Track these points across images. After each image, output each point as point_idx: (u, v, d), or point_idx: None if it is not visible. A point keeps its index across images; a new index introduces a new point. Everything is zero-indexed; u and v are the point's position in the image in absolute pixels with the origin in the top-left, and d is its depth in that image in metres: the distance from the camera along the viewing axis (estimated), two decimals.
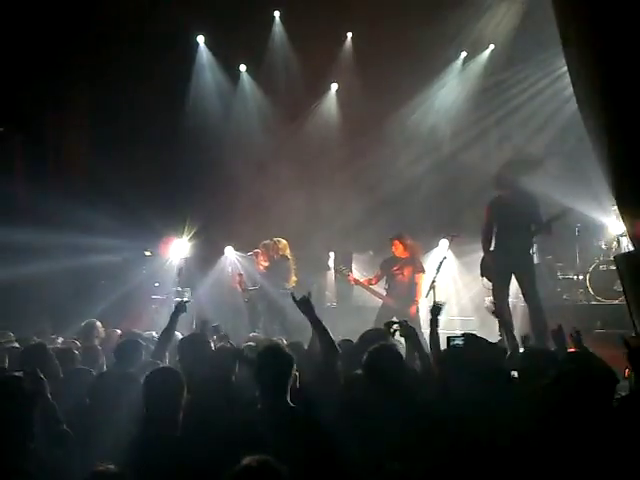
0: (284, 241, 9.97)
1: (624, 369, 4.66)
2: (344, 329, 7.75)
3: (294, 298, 4.72)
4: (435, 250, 10.64)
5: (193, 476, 3.25)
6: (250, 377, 4.10)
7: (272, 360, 3.85)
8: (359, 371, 4.11)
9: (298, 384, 4.15)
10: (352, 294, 10.65)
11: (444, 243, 10.08)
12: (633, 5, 5.72)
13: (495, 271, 7.62)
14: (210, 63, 13.03)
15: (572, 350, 5.16)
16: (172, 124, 12.33)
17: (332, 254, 11.52)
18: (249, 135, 12.95)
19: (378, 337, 4.91)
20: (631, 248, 7.42)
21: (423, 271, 8.89)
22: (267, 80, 12.91)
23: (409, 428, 3.35)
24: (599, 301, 9.31)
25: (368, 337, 5.08)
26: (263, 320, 9.77)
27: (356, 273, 10.71)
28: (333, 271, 11.01)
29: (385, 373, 3.84)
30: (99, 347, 6.41)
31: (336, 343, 4.58)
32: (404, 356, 4.68)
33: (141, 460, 3.28)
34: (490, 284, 7.82)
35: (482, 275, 7.86)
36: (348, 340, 5.30)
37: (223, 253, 12.20)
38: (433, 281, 8.32)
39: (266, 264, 9.93)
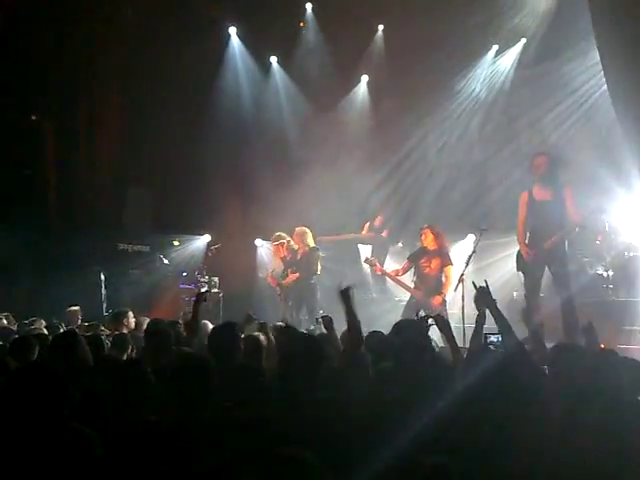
0: (308, 231, 10.00)
1: None
2: (383, 322, 7.76)
3: (340, 288, 4.75)
4: (461, 243, 10.58)
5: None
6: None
7: (301, 351, 3.86)
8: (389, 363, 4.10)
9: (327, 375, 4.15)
10: (389, 286, 10.57)
11: (471, 237, 10.02)
12: None
13: (529, 265, 7.56)
14: (242, 54, 13.06)
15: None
16: (203, 114, 12.39)
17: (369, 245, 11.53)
18: (279, 125, 12.97)
19: (412, 329, 4.90)
20: None
21: (451, 264, 8.80)
22: (298, 71, 12.91)
23: (440, 422, 3.34)
24: (628, 297, 9.18)
25: (402, 329, 5.07)
26: (291, 311, 9.81)
27: (389, 264, 10.67)
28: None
29: (414, 366, 3.83)
30: (128, 335, 6.47)
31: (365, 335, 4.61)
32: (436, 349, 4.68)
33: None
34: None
35: (518, 269, 7.79)
36: (377, 332, 5.27)
37: (250, 242, 12.29)
38: (462, 275, 8.26)
39: (289, 255, 9.96)
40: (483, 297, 4.88)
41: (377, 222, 11.69)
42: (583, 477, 3.01)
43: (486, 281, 4.98)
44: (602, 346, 5.14)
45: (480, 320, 4.96)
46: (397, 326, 5.30)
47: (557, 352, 4.33)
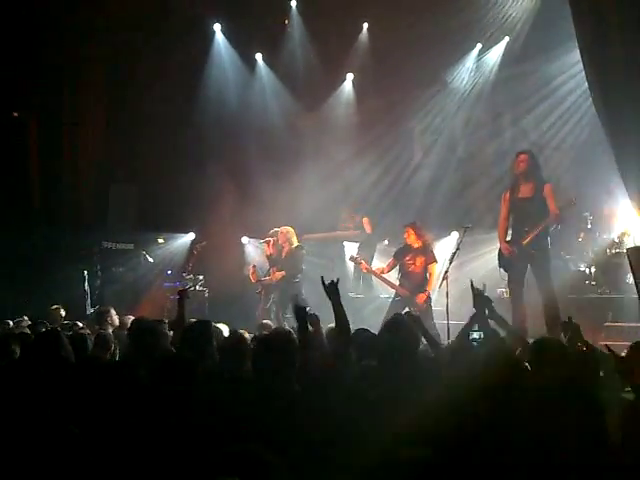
0: (292, 229, 10.03)
1: None
2: (369, 319, 7.79)
3: (323, 282, 4.69)
4: (445, 239, 10.63)
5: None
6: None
7: (270, 347, 3.93)
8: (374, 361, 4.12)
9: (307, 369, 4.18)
10: (375, 284, 10.57)
11: (455, 234, 10.07)
12: None
13: (511, 262, 7.62)
14: (227, 51, 13.00)
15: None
16: (188, 111, 12.35)
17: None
18: (266, 122, 12.95)
19: (402, 328, 4.92)
20: None
21: (435, 261, 8.84)
22: (283, 69, 12.90)
23: (423, 418, 3.37)
24: (610, 294, 9.27)
25: (392, 327, 5.09)
26: (275, 309, 9.82)
27: (375, 262, 10.66)
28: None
29: (399, 365, 3.86)
30: (111, 334, 6.45)
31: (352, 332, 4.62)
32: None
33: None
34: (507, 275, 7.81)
35: (500, 266, 7.84)
36: (365, 329, 5.28)
37: (237, 239, 12.26)
38: (446, 272, 8.31)
39: (275, 253, 9.97)
40: (479, 299, 4.97)
41: (346, 218, 11.68)
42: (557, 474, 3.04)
43: (484, 284, 5.10)
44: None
45: (478, 320, 5.03)
46: (387, 324, 5.33)
47: (538, 348, 4.37)
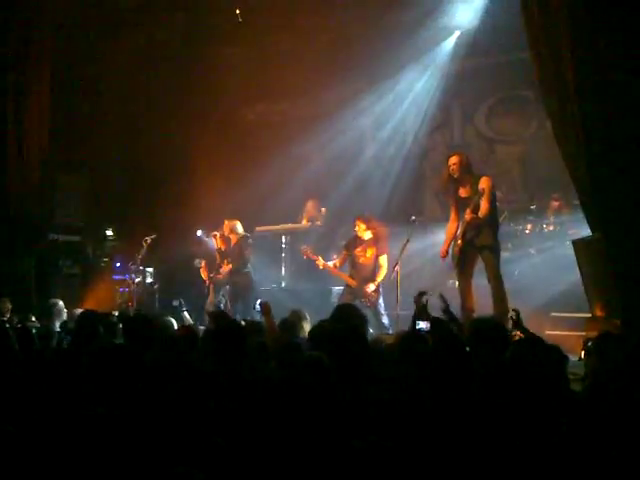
0: (236, 220, 10.05)
1: (579, 351, 4.81)
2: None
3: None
4: (395, 232, 10.68)
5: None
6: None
7: (220, 337, 4.06)
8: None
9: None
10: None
11: (405, 227, 10.13)
12: None
13: (458, 255, 7.68)
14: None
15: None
16: (140, 99, 12.18)
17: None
18: (222, 113, 12.86)
19: (351, 316, 4.99)
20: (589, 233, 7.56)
21: (385, 252, 8.85)
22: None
23: (374, 406, 3.39)
24: (556, 284, 9.43)
25: (341, 315, 5.16)
26: (224, 302, 9.79)
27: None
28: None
29: (349, 354, 3.90)
30: (56, 327, 6.38)
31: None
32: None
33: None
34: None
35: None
36: (325, 321, 5.32)
37: (190, 232, 12.13)
38: (396, 264, 8.35)
39: (224, 246, 9.94)
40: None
41: (310, 211, 11.66)
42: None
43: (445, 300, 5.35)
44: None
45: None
46: (336, 312, 5.40)
47: (475, 327, 4.46)
